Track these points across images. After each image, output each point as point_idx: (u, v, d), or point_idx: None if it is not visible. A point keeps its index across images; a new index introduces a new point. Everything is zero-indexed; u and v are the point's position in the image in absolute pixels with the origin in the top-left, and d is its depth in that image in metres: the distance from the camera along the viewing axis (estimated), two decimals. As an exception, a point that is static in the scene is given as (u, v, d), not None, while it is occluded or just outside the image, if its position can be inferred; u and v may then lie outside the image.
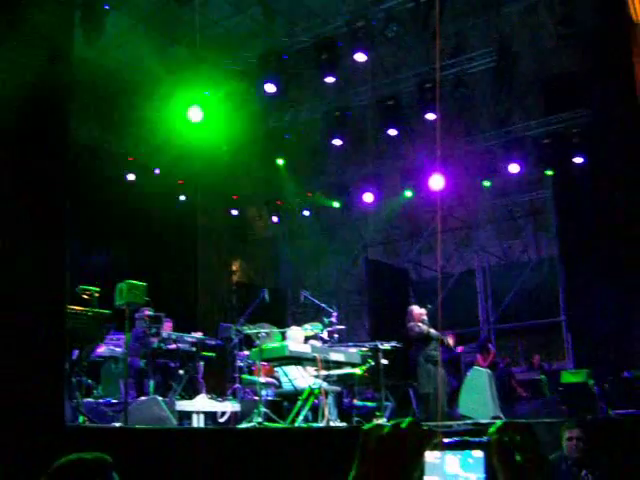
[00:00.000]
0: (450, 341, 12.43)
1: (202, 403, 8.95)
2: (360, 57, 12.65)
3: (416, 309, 10.57)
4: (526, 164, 15.94)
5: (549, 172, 16.02)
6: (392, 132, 15.05)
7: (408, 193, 17.54)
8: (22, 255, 3.45)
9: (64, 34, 4.24)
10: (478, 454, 1.55)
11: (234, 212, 18.92)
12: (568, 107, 15.05)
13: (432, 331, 10.29)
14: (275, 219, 19.36)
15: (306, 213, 18.54)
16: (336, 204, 18.44)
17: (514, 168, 15.74)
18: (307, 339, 9.76)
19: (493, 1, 14.91)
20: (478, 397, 9.52)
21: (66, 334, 5.52)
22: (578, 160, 14.79)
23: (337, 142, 15.32)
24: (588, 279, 15.02)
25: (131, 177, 15.61)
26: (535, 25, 15.67)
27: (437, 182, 16.43)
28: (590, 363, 14.30)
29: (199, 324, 15.70)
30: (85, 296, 7.11)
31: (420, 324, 10.32)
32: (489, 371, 10.28)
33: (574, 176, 15.22)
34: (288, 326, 10.06)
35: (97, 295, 7.26)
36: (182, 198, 17.02)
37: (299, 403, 8.52)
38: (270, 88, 13.66)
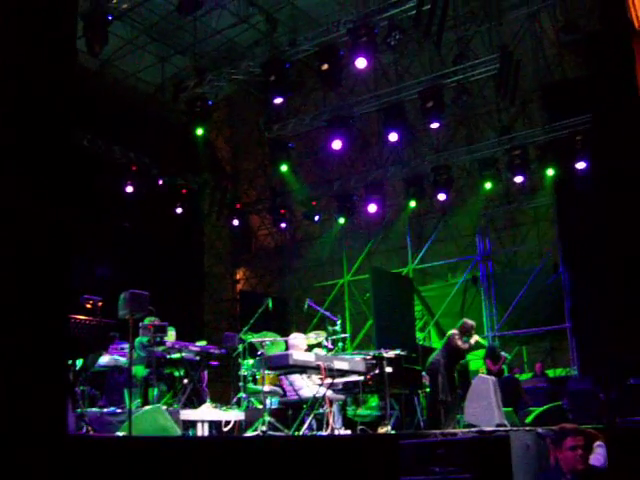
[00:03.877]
0: None
1: (206, 412, 8.94)
2: (361, 62, 12.65)
3: (472, 325, 10.73)
4: (529, 171, 15.95)
5: (551, 176, 16.02)
6: (395, 139, 15.04)
7: (412, 203, 17.57)
8: (23, 255, 3.44)
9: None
10: None
11: (237, 222, 18.92)
12: (571, 114, 15.04)
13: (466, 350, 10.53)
14: (279, 228, 19.37)
15: (316, 218, 18.52)
16: (341, 220, 18.44)
17: (518, 177, 15.74)
18: (311, 347, 9.75)
19: (495, 9, 14.97)
20: (483, 405, 9.50)
21: (68, 341, 5.52)
22: (581, 166, 14.80)
23: (338, 147, 15.28)
24: (593, 286, 14.99)
25: (136, 186, 15.60)
26: (537, 32, 15.73)
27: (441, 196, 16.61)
28: (595, 370, 14.26)
29: (204, 333, 15.72)
30: (88, 305, 7.12)
31: (461, 341, 10.45)
32: (494, 379, 10.24)
33: (577, 182, 15.21)
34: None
35: (100, 305, 7.27)
36: (187, 207, 17.02)
37: (304, 412, 8.52)
38: (277, 100, 13.72)
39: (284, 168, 16.76)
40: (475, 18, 15.60)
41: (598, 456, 6.58)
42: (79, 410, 7.16)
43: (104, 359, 9.31)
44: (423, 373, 11.32)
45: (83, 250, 12.84)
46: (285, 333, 9.81)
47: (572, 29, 13.96)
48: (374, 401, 11.43)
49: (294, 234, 20.83)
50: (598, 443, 6.72)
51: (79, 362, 7.32)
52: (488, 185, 16.62)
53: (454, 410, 10.44)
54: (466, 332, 10.62)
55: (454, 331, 10.69)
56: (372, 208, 17.36)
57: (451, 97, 14.69)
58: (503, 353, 13.68)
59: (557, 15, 14.98)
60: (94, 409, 8.55)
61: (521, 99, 16.31)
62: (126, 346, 8.90)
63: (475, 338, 10.69)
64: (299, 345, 8.94)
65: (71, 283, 3.70)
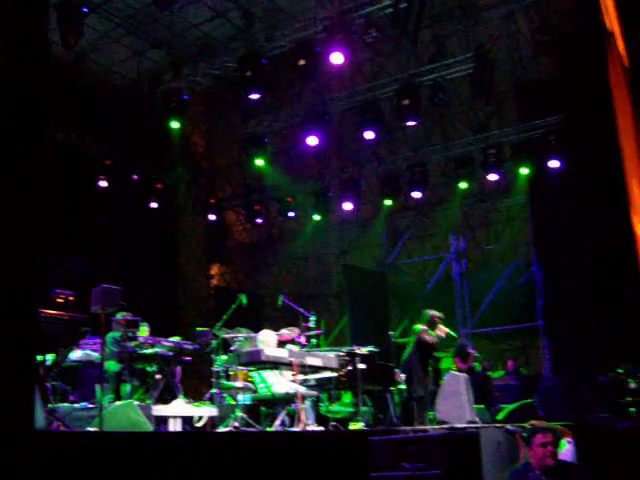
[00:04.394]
0: None
1: (179, 408, 8.92)
2: (337, 58, 12.61)
3: (437, 315, 10.74)
4: (504, 170, 16.06)
5: (525, 175, 16.15)
6: (371, 137, 15.07)
7: (388, 202, 17.69)
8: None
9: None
10: None
11: (213, 217, 18.86)
12: (545, 113, 15.17)
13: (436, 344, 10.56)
14: (254, 224, 19.35)
15: (291, 214, 18.53)
16: (316, 217, 18.47)
17: (492, 175, 15.85)
18: (285, 344, 9.77)
19: (472, 8, 15.03)
20: (454, 402, 9.58)
21: (38, 336, 5.48)
22: (555, 164, 14.93)
23: (314, 143, 15.28)
24: (565, 284, 15.15)
25: (110, 180, 15.50)
26: (513, 32, 15.82)
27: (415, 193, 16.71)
28: (567, 367, 14.42)
29: (178, 328, 15.66)
30: (60, 300, 7.08)
31: (429, 336, 10.48)
32: (466, 376, 10.33)
33: (551, 182, 15.34)
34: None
35: (72, 299, 7.22)
36: (162, 202, 16.94)
37: (276, 408, 8.53)
38: (253, 96, 13.69)
39: (260, 162, 16.75)
40: (452, 17, 15.64)
41: (567, 452, 6.69)
42: (50, 405, 7.11)
43: (76, 354, 9.26)
44: (397, 370, 11.37)
45: (56, 244, 12.73)
46: (259, 329, 9.81)
47: (547, 30, 14.05)
48: (348, 398, 11.45)
49: (269, 230, 20.82)
50: (567, 439, 6.84)
51: (50, 357, 7.27)
52: (463, 185, 16.73)
53: (427, 406, 10.49)
54: (432, 324, 10.62)
55: (421, 326, 10.70)
56: (347, 206, 17.43)
57: (427, 95, 14.74)
58: (472, 351, 13.77)
59: (533, 16, 15.07)
60: (65, 404, 8.51)
61: (496, 98, 16.42)
62: (98, 341, 8.85)
63: (443, 330, 10.68)
64: (269, 342, 8.95)
65: (41, 277, 3.68)
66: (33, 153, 3.99)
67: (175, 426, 8.60)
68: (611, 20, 8.19)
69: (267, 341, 8.94)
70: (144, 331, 9.81)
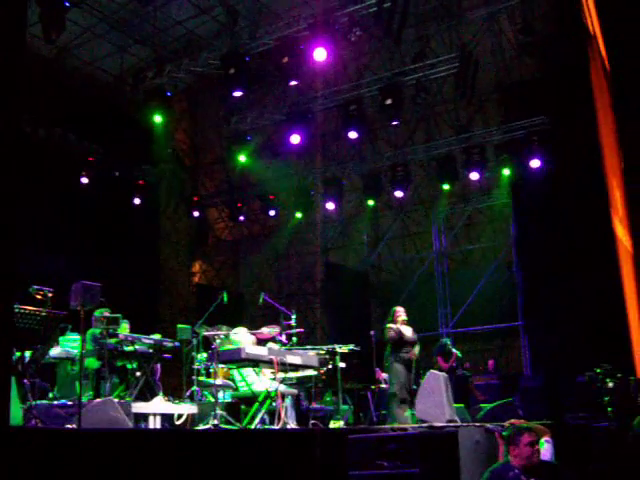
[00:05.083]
0: None
1: (159, 405, 8.89)
2: (320, 54, 12.57)
3: (397, 310, 10.61)
4: (486, 170, 16.12)
5: (507, 176, 16.23)
6: (354, 136, 15.07)
7: (370, 202, 17.74)
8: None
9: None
10: None
11: (195, 214, 18.82)
12: (528, 114, 15.25)
13: (406, 335, 10.37)
14: (236, 221, 19.31)
15: (272, 212, 18.48)
16: (299, 215, 18.46)
17: (474, 175, 15.89)
18: (266, 342, 9.75)
19: (455, 8, 15.09)
20: (434, 401, 9.59)
21: (11, 331, 5.42)
22: (536, 164, 15.00)
23: (297, 141, 15.26)
24: (546, 284, 15.23)
25: (92, 177, 15.42)
26: (496, 33, 15.90)
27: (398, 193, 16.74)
28: (547, 367, 14.51)
29: (159, 325, 15.61)
30: (38, 296, 7.03)
31: (393, 326, 10.35)
32: (445, 375, 10.33)
33: (533, 182, 15.42)
34: (249, 329, 10.00)
35: (50, 295, 7.17)
36: (144, 199, 16.88)
37: (256, 406, 8.52)
38: (236, 93, 13.65)
39: (242, 159, 16.74)
40: (435, 17, 15.70)
41: (545, 451, 6.73)
42: (28, 403, 7.06)
43: (55, 351, 9.20)
44: (377, 369, 11.38)
45: (36, 240, 12.65)
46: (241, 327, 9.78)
47: (530, 31, 14.13)
48: (329, 396, 11.46)
49: (251, 228, 20.79)
50: (546, 439, 6.88)
51: (28, 354, 7.22)
52: (446, 186, 16.79)
53: (400, 403, 10.44)
54: (396, 320, 10.55)
55: (388, 325, 10.65)
56: (330, 204, 17.45)
57: (410, 95, 14.76)
58: (454, 350, 13.81)
59: (516, 17, 15.15)
60: (44, 402, 8.45)
61: (479, 98, 16.49)
62: (77, 338, 8.80)
63: (400, 314, 10.55)
64: (242, 340, 8.93)
65: (17, 272, 3.65)
66: (10, 148, 3.96)
67: (155, 424, 8.57)
68: (593, 23, 8.26)
69: (240, 339, 8.93)
70: (124, 328, 9.77)
